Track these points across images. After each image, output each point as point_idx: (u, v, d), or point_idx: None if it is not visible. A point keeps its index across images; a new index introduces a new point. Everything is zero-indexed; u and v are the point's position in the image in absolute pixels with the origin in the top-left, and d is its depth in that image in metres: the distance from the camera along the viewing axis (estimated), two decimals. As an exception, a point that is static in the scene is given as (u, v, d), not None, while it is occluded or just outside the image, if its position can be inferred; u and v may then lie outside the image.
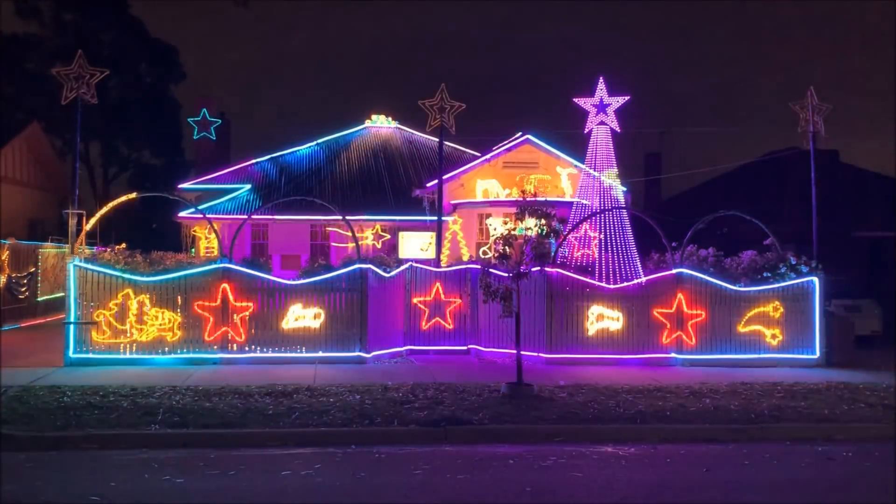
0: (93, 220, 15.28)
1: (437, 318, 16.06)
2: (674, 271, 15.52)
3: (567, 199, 22.09)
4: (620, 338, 15.33)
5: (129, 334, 14.27)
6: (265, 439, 9.42)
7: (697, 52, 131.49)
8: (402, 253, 24.27)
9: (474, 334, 16.07)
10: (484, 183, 25.95)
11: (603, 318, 15.32)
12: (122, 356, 14.19)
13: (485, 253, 22.50)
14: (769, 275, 15.87)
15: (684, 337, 15.36)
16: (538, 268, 13.40)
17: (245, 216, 20.21)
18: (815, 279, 15.76)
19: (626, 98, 17.06)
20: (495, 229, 22.73)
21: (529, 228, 12.38)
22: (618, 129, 17.11)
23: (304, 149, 30.22)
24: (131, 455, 8.82)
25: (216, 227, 19.98)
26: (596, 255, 16.48)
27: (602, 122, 17.07)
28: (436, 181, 21.39)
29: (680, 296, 15.38)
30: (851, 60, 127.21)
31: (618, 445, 9.58)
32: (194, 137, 30.49)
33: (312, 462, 8.63)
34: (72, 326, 14.09)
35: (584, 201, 17.21)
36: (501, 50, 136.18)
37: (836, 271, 17.17)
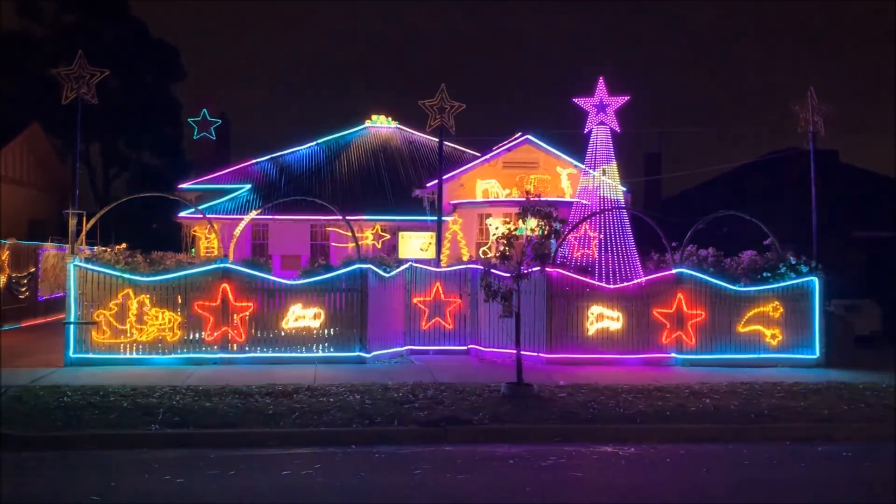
0: (93, 221, 15.27)
1: (437, 318, 16.05)
2: (674, 271, 15.51)
3: (567, 199, 22.10)
4: (620, 338, 15.32)
5: (129, 334, 14.27)
6: (265, 439, 9.42)
7: (698, 53, 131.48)
8: (402, 253, 24.26)
9: (474, 334, 16.07)
10: (484, 183, 25.95)
11: (603, 318, 15.32)
12: (122, 356, 14.19)
13: (485, 253, 22.52)
14: (769, 275, 15.86)
15: (684, 337, 15.36)
16: (538, 268, 13.40)
17: (245, 216, 20.20)
18: (815, 279, 15.76)
19: (626, 98, 17.09)
20: (496, 229, 22.74)
21: (531, 229, 12.39)
22: (617, 130, 17.13)
23: (304, 149, 30.21)
24: (131, 455, 8.82)
25: (216, 227, 20.02)
26: (596, 255, 16.49)
27: (602, 123, 17.08)
28: (436, 181, 21.38)
29: (680, 296, 15.37)
30: (852, 60, 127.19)
31: (618, 445, 9.58)
32: (194, 137, 30.50)
33: (312, 462, 8.63)
34: (72, 326, 14.09)
35: (584, 201, 17.23)
36: (502, 50, 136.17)
37: (836, 271, 17.15)
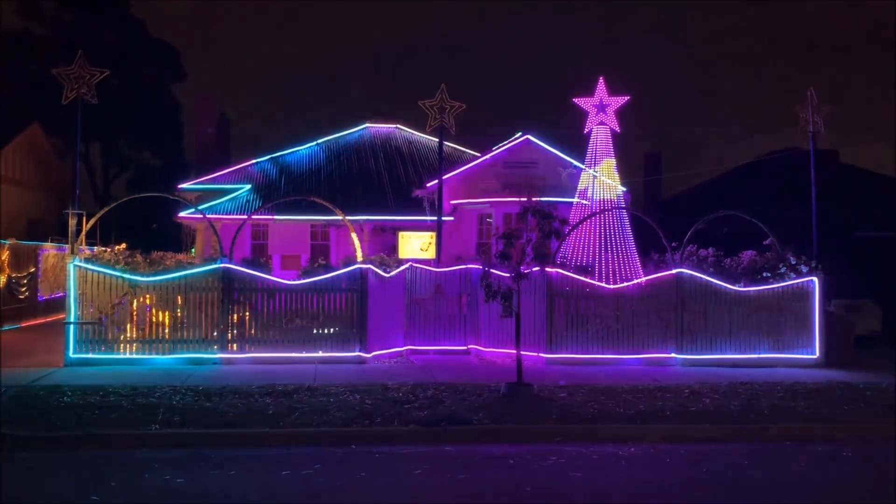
0: (93, 221, 15.28)
1: (437, 318, 16.05)
2: (674, 271, 15.51)
3: (567, 199, 22.07)
4: (620, 338, 15.33)
5: (129, 334, 14.28)
6: (265, 439, 9.43)
7: (698, 52, 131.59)
8: (402, 253, 24.23)
9: (474, 334, 16.07)
10: (484, 183, 25.92)
11: (603, 319, 15.31)
12: (122, 356, 14.21)
13: (485, 253, 22.51)
14: (769, 275, 15.87)
15: (684, 337, 15.35)
16: (538, 268, 13.40)
17: (245, 216, 20.20)
18: (815, 279, 15.77)
19: (626, 98, 17.10)
20: (496, 229, 22.73)
21: (531, 229, 12.39)
22: (617, 130, 17.14)
23: (304, 149, 30.16)
24: (131, 455, 8.83)
25: (216, 227, 19.99)
26: (596, 255, 16.49)
27: (602, 123, 17.10)
28: (436, 181, 21.38)
29: (680, 296, 15.37)
30: (852, 60, 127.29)
31: (618, 445, 9.58)
32: (195, 137, 30.45)
33: (312, 462, 8.62)
34: (72, 326, 14.09)
35: (584, 201, 17.23)
36: (502, 49, 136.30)
37: (836, 271, 17.16)
